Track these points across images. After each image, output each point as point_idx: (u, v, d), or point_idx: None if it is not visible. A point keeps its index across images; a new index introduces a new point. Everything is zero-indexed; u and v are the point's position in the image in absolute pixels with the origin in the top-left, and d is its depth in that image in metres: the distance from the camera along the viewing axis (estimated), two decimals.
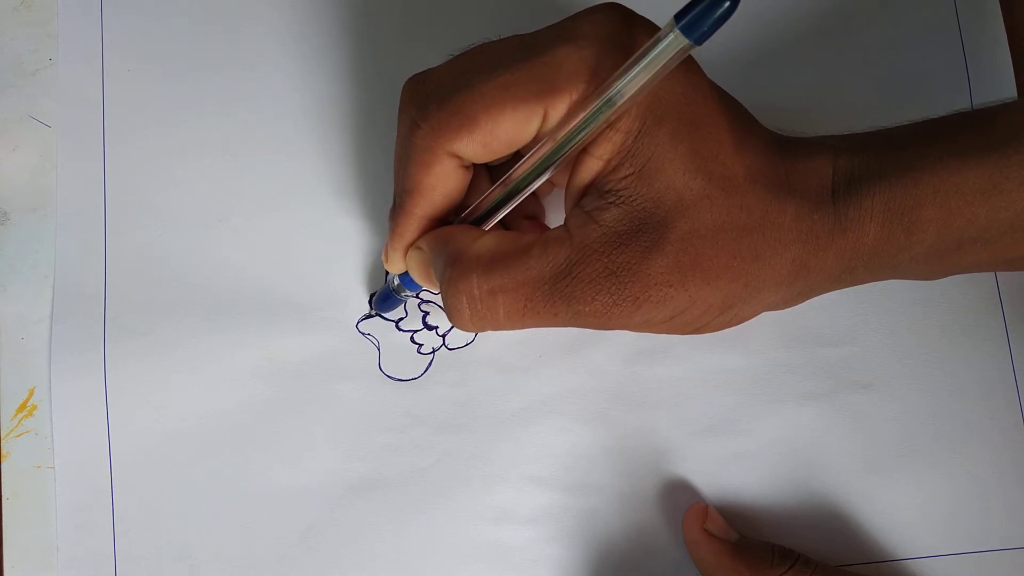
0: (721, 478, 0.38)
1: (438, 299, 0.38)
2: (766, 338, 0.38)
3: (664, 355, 0.38)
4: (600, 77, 0.27)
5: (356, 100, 0.39)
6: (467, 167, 0.30)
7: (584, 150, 0.28)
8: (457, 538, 0.37)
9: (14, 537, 0.37)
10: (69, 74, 0.39)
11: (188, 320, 0.38)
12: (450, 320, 0.30)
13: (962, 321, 0.39)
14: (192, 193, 0.39)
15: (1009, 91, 0.40)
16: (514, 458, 0.37)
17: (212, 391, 0.37)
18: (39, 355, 0.37)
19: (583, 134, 0.27)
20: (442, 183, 0.30)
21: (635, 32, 0.28)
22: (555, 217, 0.37)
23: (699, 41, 0.23)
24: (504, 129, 0.28)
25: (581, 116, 0.27)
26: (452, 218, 0.31)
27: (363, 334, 0.38)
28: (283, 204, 0.39)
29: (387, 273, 0.35)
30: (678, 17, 0.23)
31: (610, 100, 0.26)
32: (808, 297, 0.31)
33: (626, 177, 0.28)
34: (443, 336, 0.38)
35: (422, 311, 0.38)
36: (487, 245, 0.29)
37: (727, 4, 0.22)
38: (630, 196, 0.28)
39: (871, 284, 0.32)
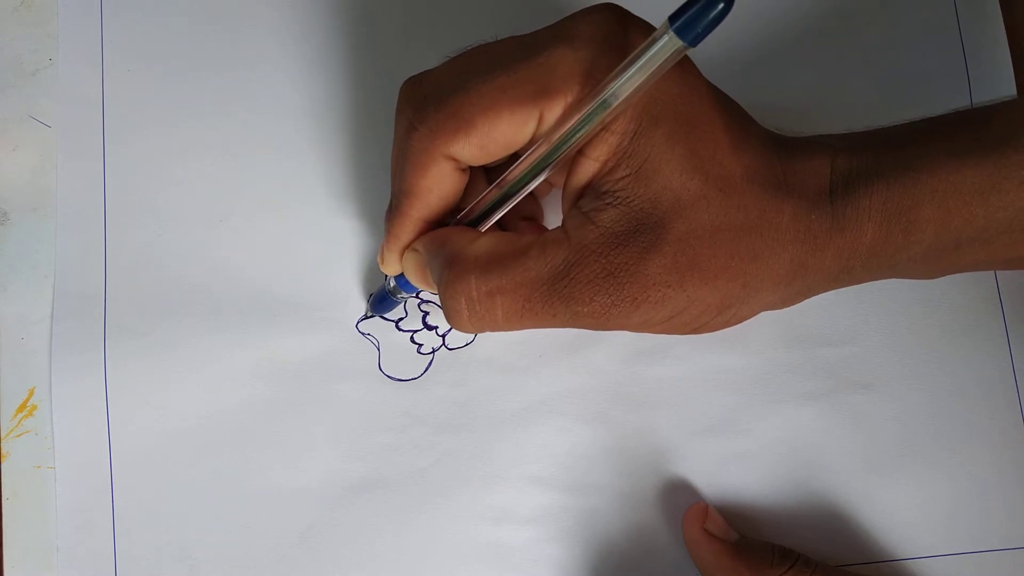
0: (721, 478, 0.38)
1: (437, 299, 0.38)
2: (766, 338, 0.38)
3: (664, 355, 0.38)
4: (595, 79, 0.27)
5: (356, 100, 0.39)
6: (463, 170, 0.30)
7: (580, 151, 0.28)
8: (457, 538, 0.37)
9: (14, 537, 0.37)
10: (69, 74, 0.39)
11: (188, 320, 0.38)
12: (448, 321, 0.30)
13: (962, 321, 0.39)
14: (192, 193, 0.39)
15: (1009, 91, 0.40)
16: (514, 458, 0.37)
17: (212, 391, 0.37)
18: (39, 355, 0.38)
19: (578, 136, 0.27)
20: (438, 185, 0.30)
21: (631, 32, 0.28)
22: (554, 218, 0.37)
23: (693, 43, 0.23)
24: (501, 132, 0.28)
25: (575, 118, 0.27)
26: (448, 220, 0.31)
27: (363, 334, 0.38)
28: (283, 204, 0.39)
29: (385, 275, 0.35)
30: (672, 19, 0.23)
31: (604, 102, 0.26)
32: (806, 297, 0.31)
33: (623, 178, 0.28)
34: (443, 336, 0.38)
35: (422, 311, 0.38)
36: (485, 246, 0.29)
37: (721, 6, 0.22)
38: (627, 197, 0.28)
39: (870, 284, 0.32)
